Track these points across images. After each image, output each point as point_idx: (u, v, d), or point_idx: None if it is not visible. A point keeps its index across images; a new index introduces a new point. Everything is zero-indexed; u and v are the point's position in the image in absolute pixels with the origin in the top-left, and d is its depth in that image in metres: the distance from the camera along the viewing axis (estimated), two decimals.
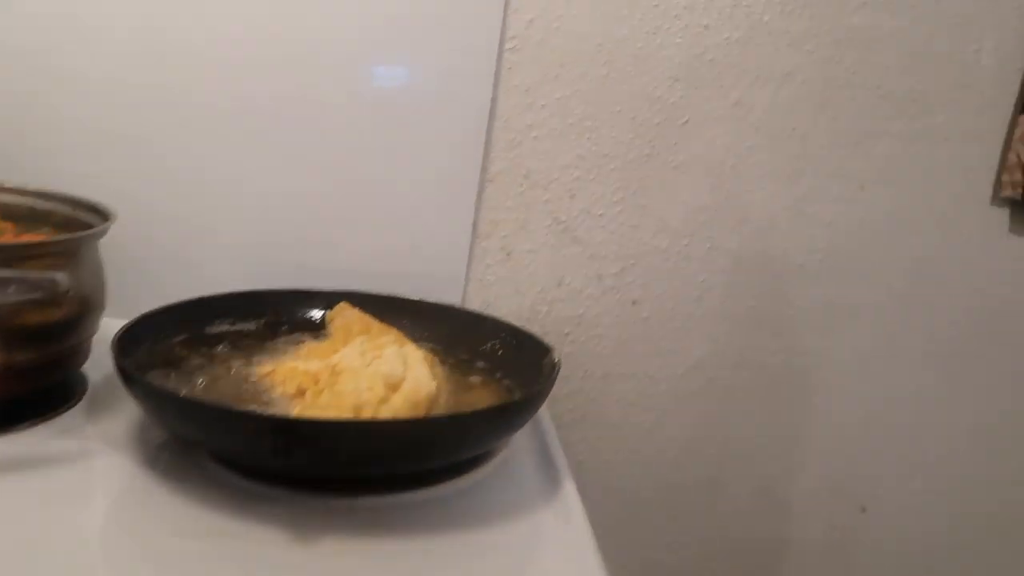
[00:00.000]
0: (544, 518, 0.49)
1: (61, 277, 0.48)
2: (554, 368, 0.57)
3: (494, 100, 0.76)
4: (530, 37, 0.75)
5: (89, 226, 0.59)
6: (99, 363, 0.60)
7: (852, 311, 0.84)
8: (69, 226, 0.62)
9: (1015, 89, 0.79)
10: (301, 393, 0.52)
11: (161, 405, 0.48)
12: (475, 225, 0.78)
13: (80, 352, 0.59)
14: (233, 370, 0.58)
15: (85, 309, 0.57)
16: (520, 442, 0.59)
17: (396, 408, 0.50)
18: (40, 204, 0.66)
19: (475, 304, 0.80)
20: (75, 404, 0.58)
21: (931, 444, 0.87)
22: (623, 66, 0.76)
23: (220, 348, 0.62)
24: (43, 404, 0.56)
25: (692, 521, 0.86)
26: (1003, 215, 0.83)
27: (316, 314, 0.70)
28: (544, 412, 0.64)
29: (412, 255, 0.78)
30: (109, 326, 0.59)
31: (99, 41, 0.72)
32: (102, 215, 0.61)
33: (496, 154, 0.78)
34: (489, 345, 0.67)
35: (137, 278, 0.66)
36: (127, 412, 0.57)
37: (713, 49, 0.77)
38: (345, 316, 0.69)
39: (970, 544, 0.90)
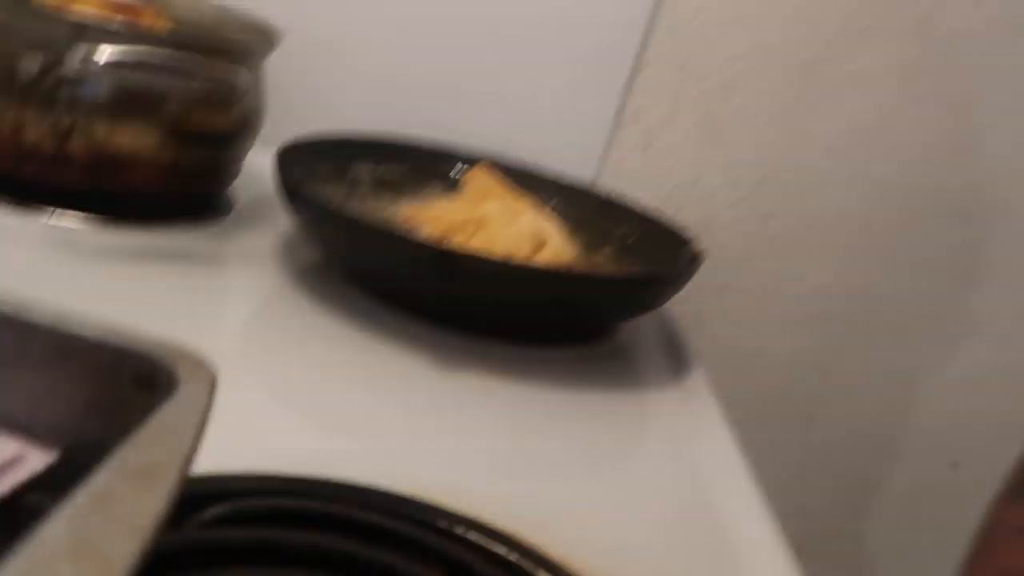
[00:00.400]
0: (675, 391, 0.49)
1: (244, 76, 0.49)
2: (695, 259, 0.55)
3: None
4: None
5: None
6: (246, 186, 0.62)
7: (994, 262, 0.79)
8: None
9: None
10: (447, 237, 0.53)
11: (321, 220, 0.49)
12: (620, 109, 0.76)
13: (233, 168, 0.60)
14: (378, 206, 0.59)
15: (248, 123, 0.58)
16: (646, 328, 0.59)
17: (544, 263, 0.50)
18: (206, 17, 0.66)
19: (607, 190, 0.78)
20: (223, 218, 0.59)
21: None
22: None
23: (363, 185, 0.63)
24: (193, 211, 0.58)
25: (784, 451, 0.86)
26: None
27: (453, 171, 0.70)
28: (672, 308, 0.64)
29: (552, 129, 0.76)
30: (252, 157, 0.60)
31: None
32: (269, 34, 0.61)
33: (656, 37, 0.74)
34: (621, 230, 0.66)
35: (282, 110, 0.66)
36: (274, 233, 0.58)
37: None
38: (482, 178, 0.68)
39: None
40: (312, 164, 0.61)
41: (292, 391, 0.41)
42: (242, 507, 0.28)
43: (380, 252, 0.46)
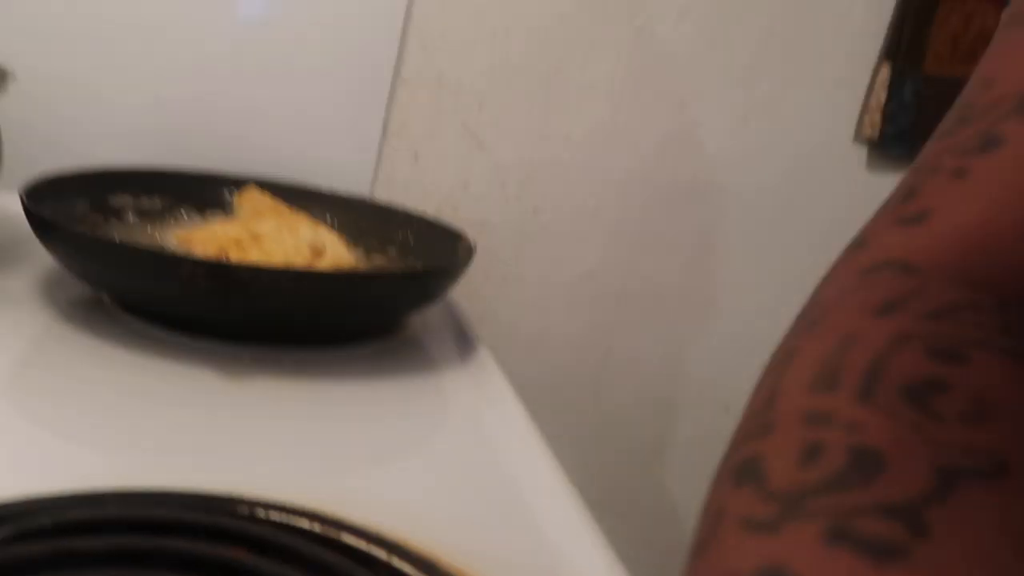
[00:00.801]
0: (464, 372, 0.52)
1: None
2: (470, 250, 0.59)
3: (410, 3, 0.77)
4: None
5: None
6: None
7: (728, 234, 0.91)
8: None
9: (881, 37, 0.88)
10: (223, 254, 0.53)
11: (87, 251, 0.47)
12: (385, 124, 0.80)
13: None
14: (146, 233, 0.58)
15: None
16: (435, 322, 0.62)
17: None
18: None
19: (381, 201, 0.81)
20: None
21: None
22: None
23: (127, 217, 0.61)
24: None
25: (579, 419, 0.93)
26: (862, 153, 0.92)
27: (222, 196, 0.69)
28: (457, 302, 0.67)
29: (322, 150, 0.78)
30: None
31: None
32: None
33: (411, 55, 0.79)
34: (400, 235, 0.69)
35: (25, 148, 0.62)
36: (32, 273, 0.55)
37: None
38: (254, 199, 0.69)
39: None
40: (65, 200, 0.59)
41: (77, 421, 0.39)
42: (28, 526, 0.27)
43: (153, 275, 0.46)
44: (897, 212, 0.31)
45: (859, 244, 0.32)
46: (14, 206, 0.50)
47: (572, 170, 0.85)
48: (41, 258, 0.52)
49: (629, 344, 0.92)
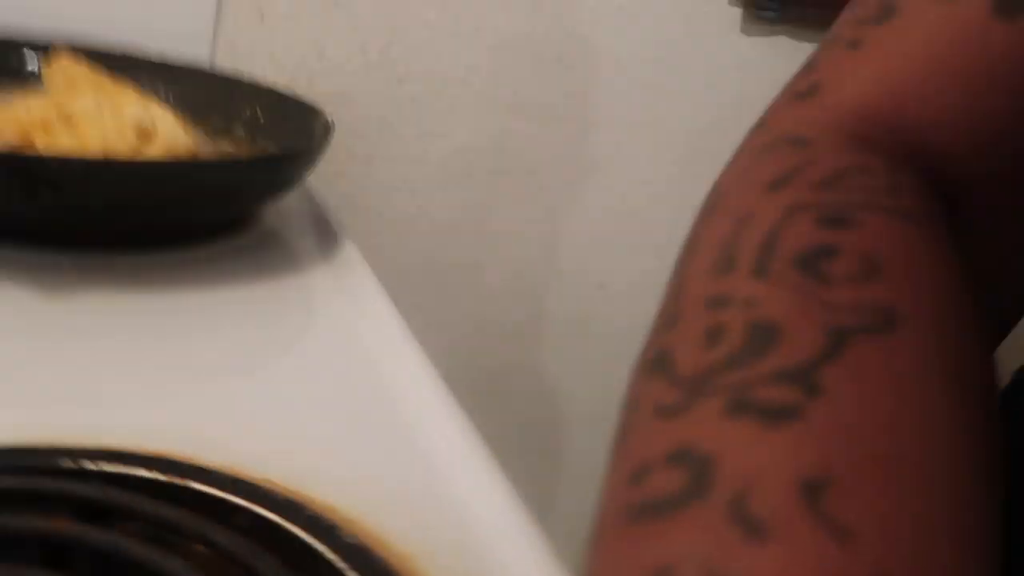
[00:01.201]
0: (328, 269, 0.48)
1: None
2: (328, 128, 0.53)
3: None
4: None
5: None
6: None
7: (603, 100, 0.88)
8: None
9: None
10: (28, 141, 0.44)
11: None
12: None
13: None
14: None
15: None
16: (291, 210, 0.56)
17: (153, 158, 0.44)
18: None
19: (224, 70, 0.72)
20: None
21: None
22: None
23: None
24: None
25: (456, 303, 0.90)
26: (736, 14, 0.90)
27: (26, 65, 0.59)
28: (317, 186, 0.61)
29: (151, 7, 0.67)
30: None
31: None
32: None
33: None
34: (248, 111, 0.61)
35: None
36: None
37: None
38: (68, 71, 0.58)
39: None
40: None
41: None
42: None
43: None
44: (794, 87, 0.31)
45: (759, 124, 0.32)
46: None
47: (440, 33, 0.78)
48: None
49: (505, 223, 0.89)
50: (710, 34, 0.89)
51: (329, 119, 0.54)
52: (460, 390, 0.39)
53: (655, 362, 0.22)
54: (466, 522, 0.30)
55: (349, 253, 0.51)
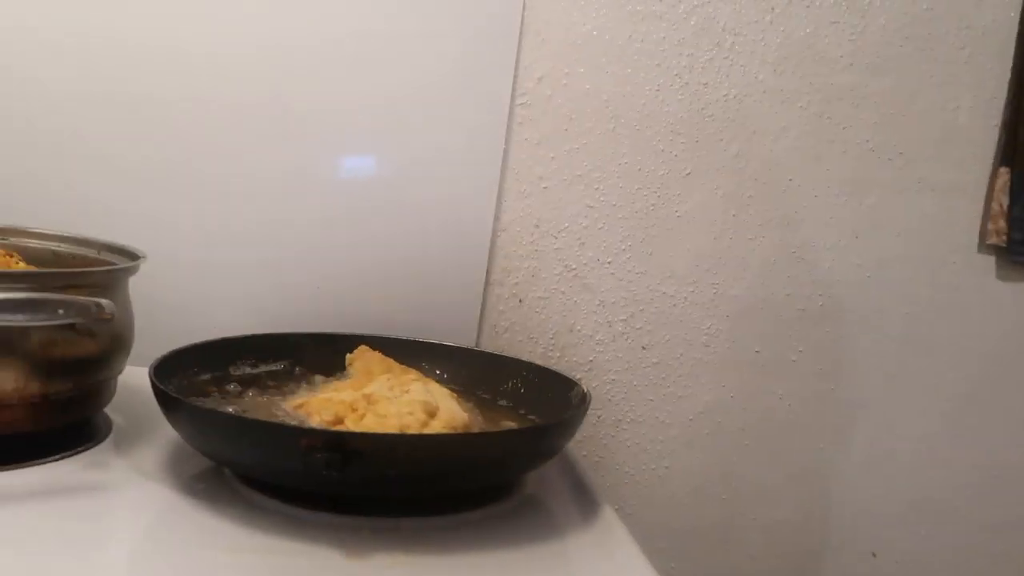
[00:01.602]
0: (588, 533, 0.49)
1: (107, 304, 0.49)
2: (584, 398, 0.57)
3: (506, 152, 0.79)
4: (540, 93, 0.79)
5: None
6: (122, 405, 0.60)
7: (853, 356, 0.86)
8: None
9: (994, 143, 0.85)
10: (339, 421, 0.53)
11: (207, 426, 0.48)
12: (488, 273, 0.80)
13: (108, 389, 0.59)
14: (263, 403, 0.58)
15: (117, 344, 0.57)
16: (550, 475, 0.59)
17: (437, 432, 0.51)
18: (63, 248, 0.66)
19: (489, 349, 0.81)
20: (102, 441, 0.57)
21: (936, 488, 0.88)
22: (628, 120, 0.80)
23: (246, 386, 0.62)
24: (72, 439, 0.55)
25: (706, 569, 0.86)
26: (989, 262, 0.87)
27: (336, 358, 0.70)
28: (570, 449, 0.65)
29: (427, 304, 0.79)
30: (128, 373, 0.59)
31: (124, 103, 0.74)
32: (130, 256, 0.62)
33: (508, 204, 0.80)
34: (510, 384, 0.68)
35: (153, 324, 0.66)
36: (157, 447, 0.56)
37: (712, 105, 0.81)
38: (365, 358, 0.69)
39: None
40: (189, 373, 0.61)
41: None
42: None
43: (271, 449, 0.46)
44: None
45: None
46: (143, 382, 0.52)
47: (678, 303, 0.83)
48: (168, 434, 0.54)
49: (756, 484, 0.86)
50: (962, 282, 0.87)
51: (586, 389, 0.58)
52: None
53: None
54: None
55: (607, 517, 0.52)
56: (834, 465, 0.87)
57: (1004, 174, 0.84)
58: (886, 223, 0.85)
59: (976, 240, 0.86)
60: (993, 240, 0.85)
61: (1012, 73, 0.84)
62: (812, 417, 0.86)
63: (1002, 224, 0.85)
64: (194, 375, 0.61)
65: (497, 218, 0.80)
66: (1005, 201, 0.84)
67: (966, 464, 0.88)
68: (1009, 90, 0.84)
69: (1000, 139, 0.84)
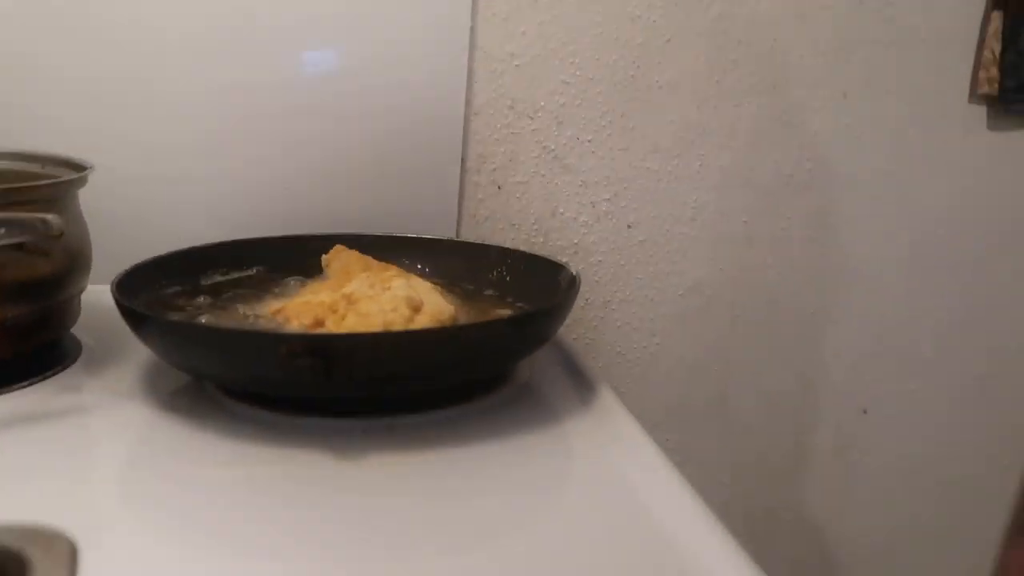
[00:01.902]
0: (588, 415, 0.48)
1: (53, 218, 0.45)
2: (573, 280, 0.55)
3: (473, 31, 0.74)
4: None
5: None
6: (90, 325, 0.58)
7: (842, 219, 0.84)
8: None
9: None
10: (320, 323, 0.50)
11: (179, 339, 0.45)
12: (463, 160, 0.76)
13: (71, 310, 0.56)
14: (239, 312, 0.56)
15: (74, 263, 0.54)
16: (542, 362, 0.58)
17: (424, 326, 0.48)
18: (3, 165, 0.61)
19: (470, 240, 0.78)
20: (72, 364, 0.54)
21: (925, 344, 0.89)
22: None
23: (218, 296, 0.59)
24: (39, 364, 0.53)
25: (703, 440, 0.86)
26: (980, 113, 0.84)
27: (312, 260, 0.67)
28: (561, 333, 0.63)
29: (402, 197, 0.75)
30: (92, 292, 0.56)
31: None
32: (76, 168, 0.57)
33: (479, 86, 0.75)
34: (495, 273, 0.65)
35: (114, 240, 0.62)
36: (131, 366, 0.54)
37: None
38: (342, 258, 0.66)
39: (964, 443, 0.92)
40: (157, 287, 0.58)
41: (192, 524, 0.37)
42: None
43: (250, 358, 0.43)
44: None
45: None
46: (109, 300, 0.49)
47: (663, 178, 0.80)
48: (141, 350, 0.51)
49: (749, 354, 0.86)
50: (953, 136, 0.84)
51: (574, 272, 0.56)
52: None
53: None
54: None
55: (605, 397, 0.51)
56: (825, 330, 0.87)
57: (996, 18, 0.80)
58: (875, 81, 0.82)
59: (967, 92, 0.83)
60: (985, 89, 0.82)
61: None
62: (802, 285, 0.85)
63: (994, 72, 0.81)
64: (162, 288, 0.58)
65: (468, 102, 0.75)
66: (997, 47, 0.81)
67: (954, 320, 0.88)
68: None
69: None
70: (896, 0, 0.80)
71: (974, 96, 0.83)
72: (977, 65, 0.82)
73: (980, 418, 0.92)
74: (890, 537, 0.92)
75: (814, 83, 0.80)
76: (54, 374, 0.52)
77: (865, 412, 0.89)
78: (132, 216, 0.71)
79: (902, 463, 0.91)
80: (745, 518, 0.89)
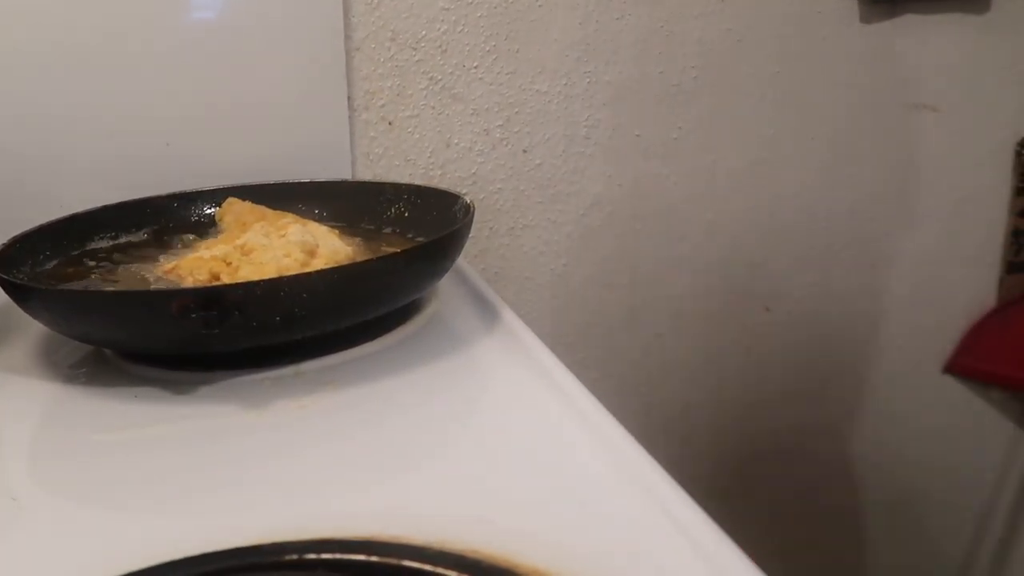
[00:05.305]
0: (494, 341, 0.49)
1: None
2: (468, 209, 0.56)
3: None
4: None
5: None
6: None
7: (731, 122, 0.87)
8: None
9: None
10: (215, 278, 0.50)
11: (66, 308, 0.44)
12: (350, 99, 0.75)
13: None
14: (132, 275, 0.54)
15: None
16: (447, 295, 0.59)
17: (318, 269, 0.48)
18: None
19: (366, 179, 0.77)
20: None
21: (819, 237, 0.93)
22: None
23: (108, 261, 0.58)
24: None
25: (618, 353, 0.90)
26: (852, 5, 0.86)
27: (204, 216, 0.66)
28: (466, 265, 0.64)
29: (290, 143, 0.74)
30: None
31: None
32: None
33: (357, 19, 0.74)
34: (393, 210, 0.65)
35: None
36: (25, 341, 0.52)
37: None
38: (235, 210, 0.65)
39: (855, 326, 0.98)
40: (41, 259, 0.56)
41: (107, 491, 0.37)
42: None
43: (142, 319, 0.42)
44: None
45: None
46: None
47: (553, 99, 0.80)
48: (34, 325, 0.49)
49: (654, 264, 0.89)
50: (829, 32, 0.86)
51: (468, 200, 0.57)
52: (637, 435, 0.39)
53: None
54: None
55: (510, 322, 0.52)
56: (725, 231, 0.90)
57: None
58: None
59: None
60: None
61: None
62: (700, 190, 0.88)
63: None
64: (47, 259, 0.56)
65: (348, 37, 0.74)
66: None
67: (844, 210, 0.93)
68: None
69: None
70: None
71: None
72: None
73: (876, 305, 0.98)
74: (798, 423, 0.99)
75: None
76: None
77: (768, 309, 0.94)
78: (6, 187, 0.67)
79: (801, 353, 0.97)
80: (666, 421, 0.94)
